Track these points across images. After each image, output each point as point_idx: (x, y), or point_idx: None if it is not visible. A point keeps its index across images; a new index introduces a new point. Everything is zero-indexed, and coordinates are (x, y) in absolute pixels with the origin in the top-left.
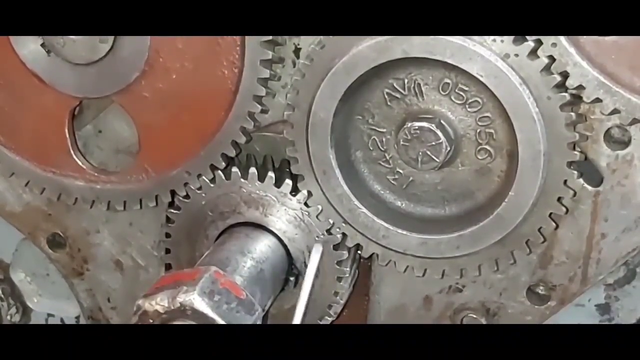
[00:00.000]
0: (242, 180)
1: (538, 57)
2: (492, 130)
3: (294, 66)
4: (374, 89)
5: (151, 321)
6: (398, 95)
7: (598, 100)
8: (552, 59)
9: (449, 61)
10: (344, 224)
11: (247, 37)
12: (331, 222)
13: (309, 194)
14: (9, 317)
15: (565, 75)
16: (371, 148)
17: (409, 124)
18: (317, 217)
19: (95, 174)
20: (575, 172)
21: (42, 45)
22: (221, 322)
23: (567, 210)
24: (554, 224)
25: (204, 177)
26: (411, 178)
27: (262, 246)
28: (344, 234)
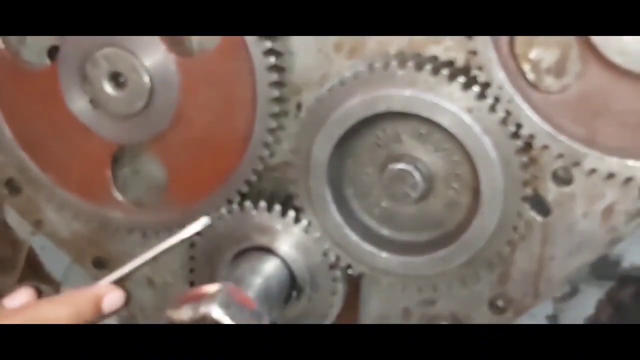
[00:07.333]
0: (253, 211)
1: (496, 111)
2: (459, 171)
3: (296, 118)
4: (362, 136)
5: None
6: (381, 143)
7: (546, 147)
8: (508, 113)
9: (424, 115)
10: (337, 248)
11: (258, 96)
12: (327, 246)
13: (309, 223)
14: None
15: (519, 126)
16: (360, 186)
17: (391, 166)
18: (315, 242)
19: (132, 207)
20: (528, 205)
21: (91, 101)
22: None
23: (521, 236)
24: (510, 248)
25: (222, 209)
26: (393, 210)
27: (270, 267)
28: (337, 256)
